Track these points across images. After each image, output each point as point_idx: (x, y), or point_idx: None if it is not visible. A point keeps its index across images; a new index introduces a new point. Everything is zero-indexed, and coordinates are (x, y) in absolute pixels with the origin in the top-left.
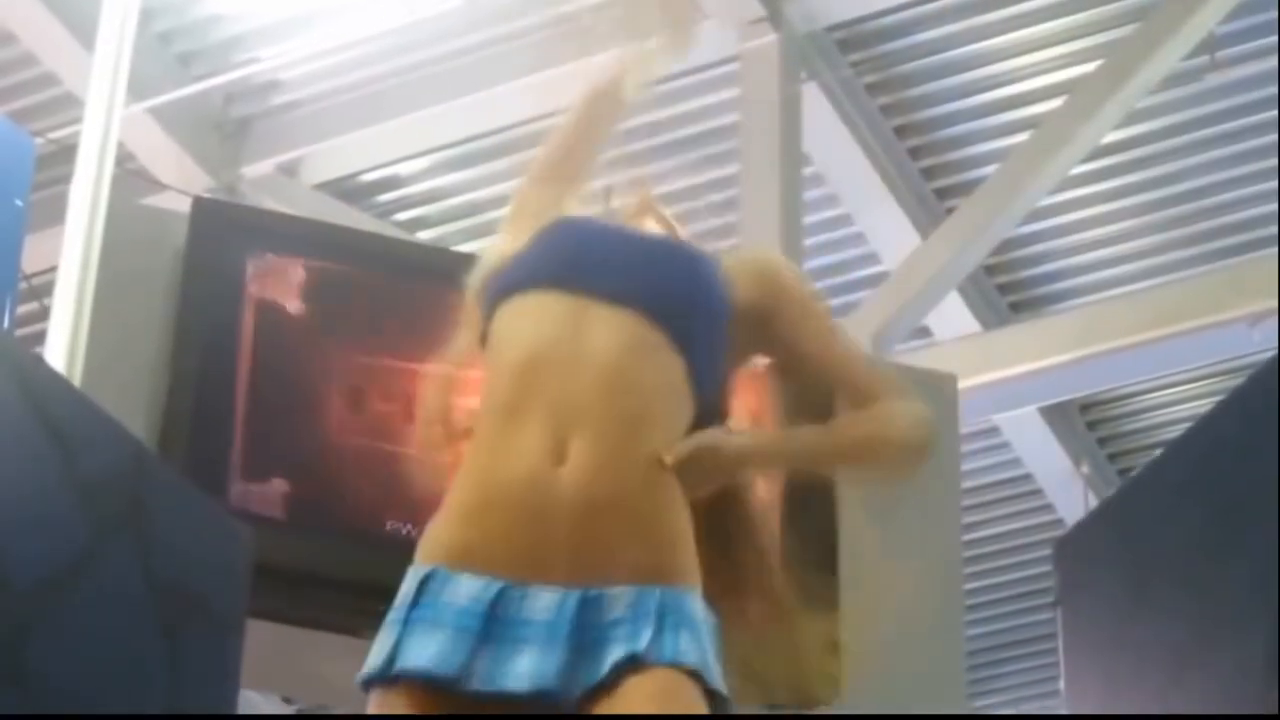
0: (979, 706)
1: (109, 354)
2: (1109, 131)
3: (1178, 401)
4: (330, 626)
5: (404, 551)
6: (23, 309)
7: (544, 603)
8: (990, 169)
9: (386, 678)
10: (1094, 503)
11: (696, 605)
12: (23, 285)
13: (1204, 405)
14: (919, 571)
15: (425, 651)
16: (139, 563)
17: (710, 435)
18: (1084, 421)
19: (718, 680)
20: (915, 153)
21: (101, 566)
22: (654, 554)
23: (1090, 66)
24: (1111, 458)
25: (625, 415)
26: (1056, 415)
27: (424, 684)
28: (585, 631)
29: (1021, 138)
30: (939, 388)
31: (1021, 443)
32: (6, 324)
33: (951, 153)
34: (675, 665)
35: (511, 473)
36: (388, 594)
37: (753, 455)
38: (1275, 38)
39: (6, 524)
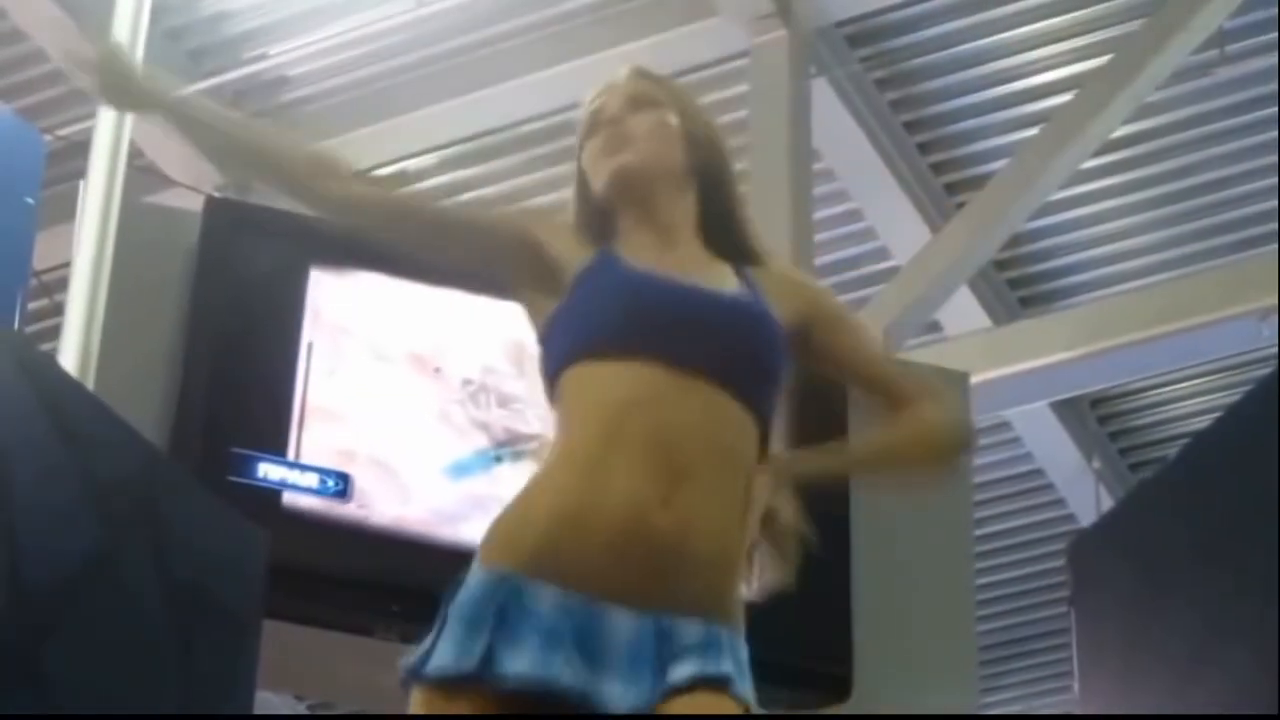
0: (990, 701)
1: (122, 355)
2: (1119, 126)
3: (1188, 396)
4: (344, 626)
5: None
6: (33, 305)
7: (623, 625)
8: (1000, 164)
9: (466, 677)
10: (1105, 498)
11: (743, 648)
12: (33, 282)
13: (1214, 400)
14: (930, 567)
15: (521, 659)
16: (154, 564)
17: (784, 468)
18: (1095, 416)
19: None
20: (925, 148)
21: (117, 568)
22: (721, 596)
23: (1100, 61)
24: (1122, 452)
25: (726, 481)
26: (1067, 410)
27: (510, 690)
28: (662, 657)
29: (1031, 132)
30: (950, 384)
31: (1033, 438)
32: (18, 321)
33: (961, 148)
34: (741, 700)
35: (614, 501)
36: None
37: (820, 476)
38: (1276, 34)
39: (22, 526)
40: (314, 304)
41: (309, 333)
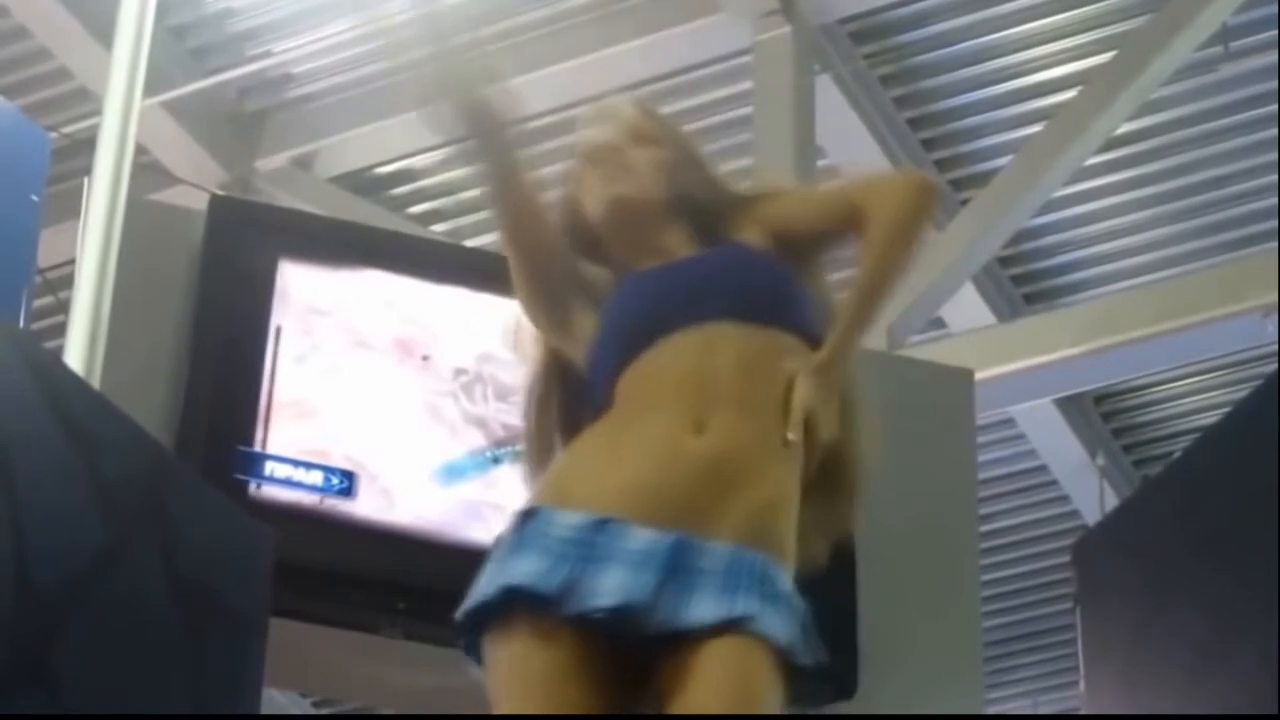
0: (995, 698)
1: (127, 353)
2: (1123, 123)
3: (1192, 393)
4: (350, 624)
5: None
6: (38, 303)
7: (642, 535)
8: (1004, 160)
9: (488, 606)
10: (1109, 494)
11: (788, 582)
12: (38, 280)
13: (1218, 397)
14: (935, 563)
15: (522, 569)
16: (160, 562)
17: (803, 393)
18: (1099, 413)
19: (806, 657)
20: (929, 145)
21: (124, 567)
22: (758, 520)
23: (1104, 58)
24: (1126, 449)
25: (763, 398)
26: (1071, 407)
27: (528, 608)
28: (676, 568)
29: (1035, 129)
30: (954, 382)
31: (1036, 434)
32: (23, 319)
33: (965, 144)
34: (767, 638)
35: (646, 434)
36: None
37: (836, 362)
38: (1276, 31)
39: (29, 524)
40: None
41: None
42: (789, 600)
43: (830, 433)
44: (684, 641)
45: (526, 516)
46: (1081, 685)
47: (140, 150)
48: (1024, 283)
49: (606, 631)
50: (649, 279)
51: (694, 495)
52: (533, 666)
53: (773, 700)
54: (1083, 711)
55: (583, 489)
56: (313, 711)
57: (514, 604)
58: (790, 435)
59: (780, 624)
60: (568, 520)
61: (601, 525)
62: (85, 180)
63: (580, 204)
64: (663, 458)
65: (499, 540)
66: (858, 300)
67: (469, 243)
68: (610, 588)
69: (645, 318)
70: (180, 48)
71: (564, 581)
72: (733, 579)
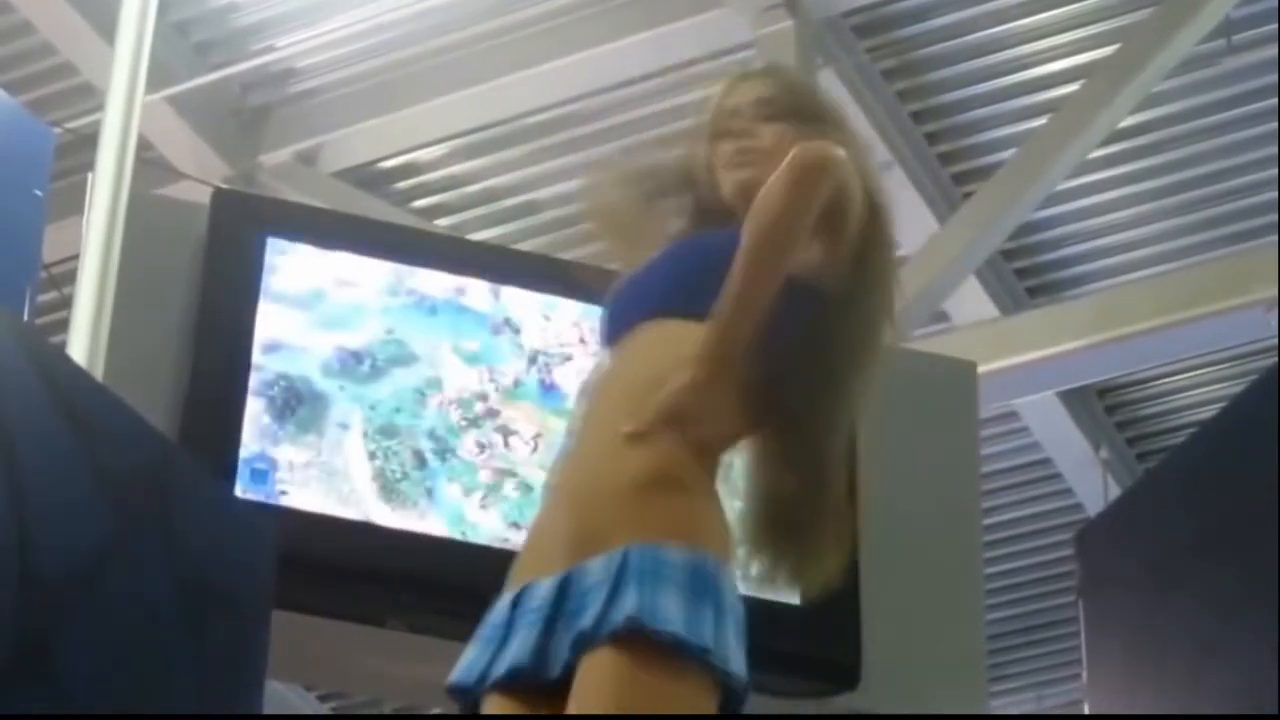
0: (999, 691)
1: (131, 347)
2: (1126, 115)
3: (1196, 386)
4: (355, 617)
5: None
6: (42, 298)
7: (540, 591)
8: (1008, 153)
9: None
10: (1113, 487)
11: (666, 553)
12: (42, 275)
13: (1222, 390)
14: (938, 556)
15: (460, 665)
16: (165, 556)
17: (662, 396)
18: (1102, 406)
19: (667, 621)
20: (932, 138)
21: (127, 560)
22: (623, 520)
23: (1108, 50)
24: (1130, 442)
25: (620, 405)
26: (1075, 400)
27: (469, 695)
28: (562, 608)
29: (1039, 122)
30: (958, 375)
31: (1040, 428)
32: (27, 313)
33: (969, 137)
34: (628, 629)
35: (545, 487)
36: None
37: (716, 342)
38: (1277, 25)
39: (33, 518)
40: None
41: None
42: (655, 572)
43: (698, 426)
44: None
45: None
46: (1084, 676)
47: (144, 146)
48: (1027, 276)
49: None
50: (618, 285)
51: (571, 529)
52: None
53: (646, 688)
54: (1085, 703)
55: (519, 567)
56: (318, 704)
57: (458, 694)
58: (626, 429)
59: (634, 599)
60: (500, 605)
61: (518, 598)
62: (89, 176)
63: (710, 172)
64: (547, 502)
65: None
66: (730, 292)
67: (473, 237)
68: (506, 657)
69: (603, 322)
70: (184, 43)
71: (483, 669)
72: (607, 579)
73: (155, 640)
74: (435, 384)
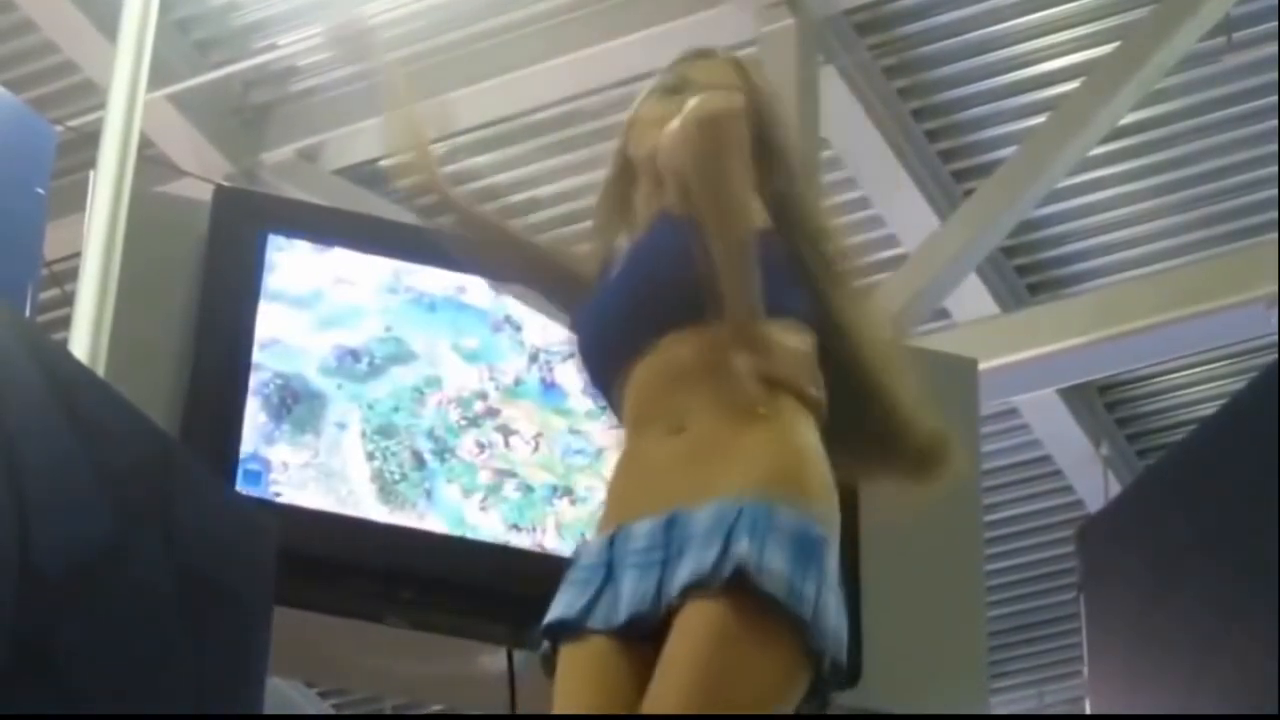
0: (1000, 688)
1: (133, 344)
2: (1127, 113)
3: (1196, 383)
4: (355, 613)
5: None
6: (44, 296)
7: (641, 529)
8: (1008, 151)
9: (551, 640)
10: (1113, 484)
11: (783, 515)
12: (44, 272)
13: (1223, 386)
14: (939, 553)
15: (556, 606)
16: (165, 551)
17: (740, 366)
18: (1103, 403)
19: (773, 577)
20: (933, 135)
21: (129, 558)
22: (739, 475)
23: (1108, 48)
24: (1130, 439)
25: (705, 385)
26: (1076, 397)
27: (568, 635)
28: (673, 545)
29: (1040, 120)
30: (959, 372)
31: (1041, 424)
32: (29, 311)
33: (969, 135)
34: (735, 578)
35: (637, 453)
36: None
37: (736, 310)
38: (1277, 23)
39: (34, 515)
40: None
41: None
42: (770, 532)
43: (789, 372)
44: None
45: (571, 561)
46: (1085, 671)
47: (146, 144)
48: (1028, 273)
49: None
50: (586, 323)
51: (679, 476)
52: (568, 686)
53: (740, 654)
54: (1086, 700)
55: (605, 521)
56: (319, 701)
57: (557, 636)
58: (761, 410)
59: (773, 561)
60: (592, 549)
61: (612, 540)
62: (90, 173)
63: (632, 137)
64: (648, 460)
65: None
66: (716, 259)
67: None
68: (625, 597)
69: (597, 361)
70: (185, 41)
71: (586, 605)
72: (717, 530)
73: (156, 637)
74: (434, 382)
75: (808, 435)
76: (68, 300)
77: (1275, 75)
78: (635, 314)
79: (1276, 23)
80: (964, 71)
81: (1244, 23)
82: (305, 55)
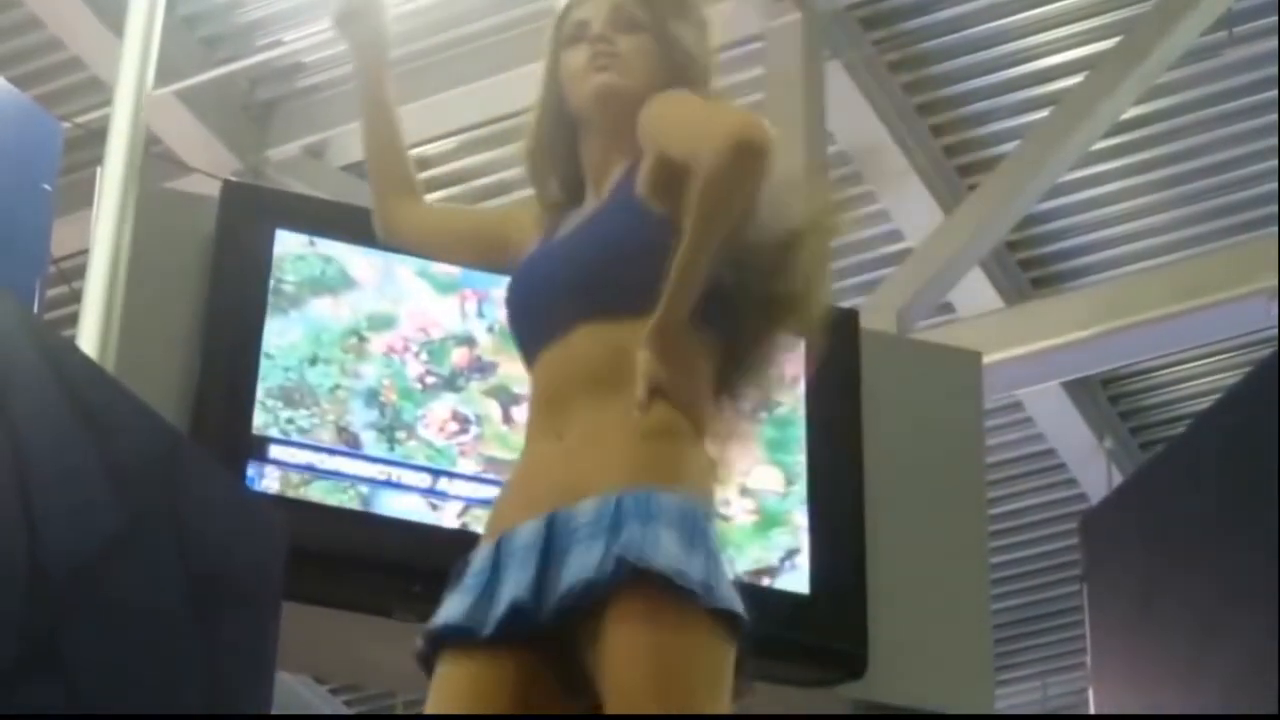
0: (1005, 680)
1: (141, 341)
2: (1129, 107)
3: (1199, 376)
4: (363, 607)
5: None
6: (51, 293)
7: (524, 531)
8: (1012, 145)
9: (431, 645)
10: (1117, 477)
11: (666, 499)
12: (51, 269)
13: (1224, 379)
14: (944, 546)
15: (441, 610)
16: (174, 547)
17: (643, 367)
18: (1106, 396)
19: (667, 561)
20: (937, 130)
21: (137, 552)
22: (618, 469)
23: (1110, 43)
24: (1134, 432)
25: (604, 392)
26: (1079, 390)
27: (456, 643)
28: (553, 546)
29: (1042, 114)
30: (963, 365)
31: (1044, 418)
32: (36, 308)
33: (973, 130)
34: (631, 573)
35: (526, 456)
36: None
37: (668, 318)
38: (1277, 17)
39: (43, 511)
40: None
41: None
42: (655, 517)
43: (682, 398)
44: (587, 610)
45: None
46: (1088, 660)
47: (153, 140)
48: (1031, 267)
49: (535, 642)
50: (519, 285)
51: (558, 475)
52: (444, 694)
53: (678, 650)
54: (1090, 689)
55: (489, 529)
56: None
57: (442, 643)
58: (637, 411)
59: (638, 538)
60: (479, 556)
61: (498, 546)
62: (98, 170)
63: (564, 89)
64: (531, 465)
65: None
66: (679, 265)
67: None
68: (505, 593)
69: (521, 331)
70: (191, 37)
71: (469, 610)
72: (600, 522)
73: (165, 632)
74: (384, 321)
75: (679, 422)
76: (76, 297)
77: (1276, 70)
78: (569, 288)
79: (1277, 17)
80: (968, 66)
81: (1245, 17)
82: (311, 51)
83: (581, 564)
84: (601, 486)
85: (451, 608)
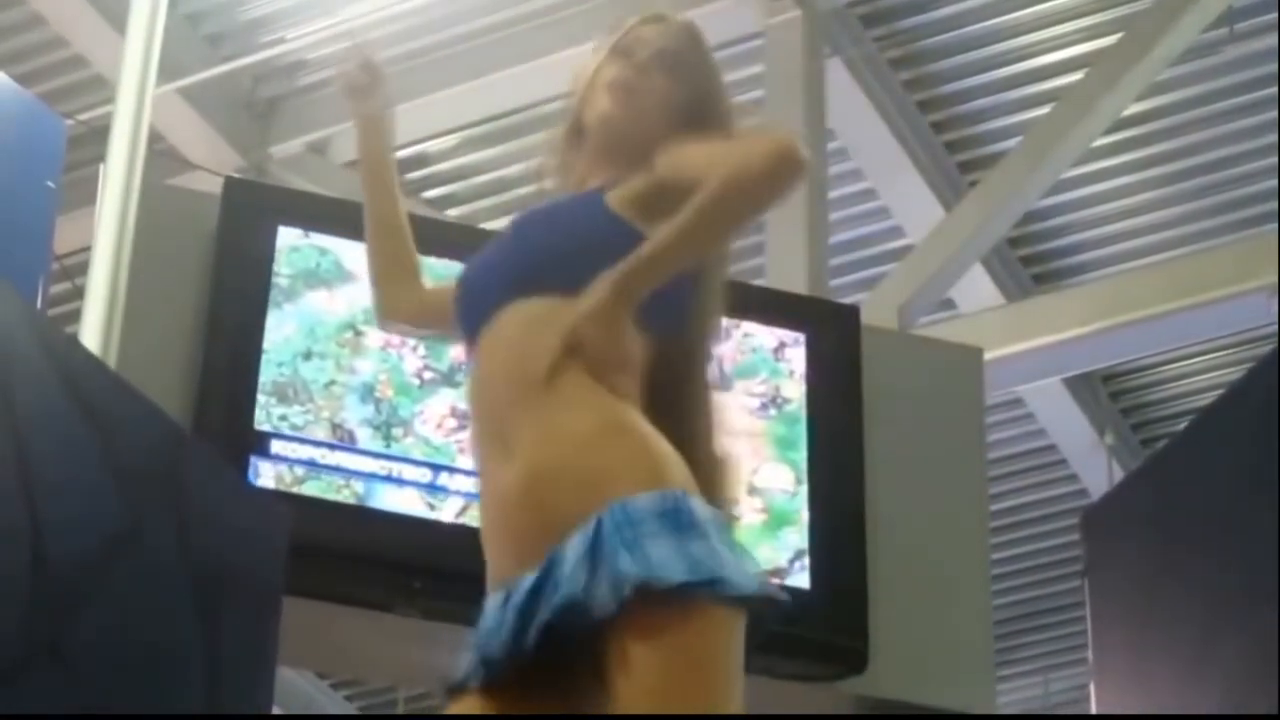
0: (1006, 676)
1: (143, 337)
2: (1130, 104)
3: (1199, 372)
4: (366, 603)
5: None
6: (54, 289)
7: (526, 586)
8: (1012, 142)
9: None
10: (1118, 473)
11: (641, 505)
12: (54, 266)
13: (1225, 375)
14: (945, 541)
15: (461, 670)
16: (176, 542)
17: (568, 320)
18: (1107, 392)
19: (666, 569)
20: (938, 127)
21: (140, 547)
22: (585, 491)
23: (1110, 40)
24: (1134, 428)
25: (535, 386)
26: (1080, 386)
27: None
28: (548, 585)
29: (1043, 111)
30: (964, 361)
31: (1045, 414)
32: (39, 304)
33: (974, 126)
34: (635, 592)
35: (488, 491)
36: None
37: (620, 287)
38: (1277, 14)
39: (46, 506)
40: None
41: None
42: (635, 527)
43: (600, 349)
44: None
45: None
46: (1090, 656)
47: (156, 137)
48: (1032, 263)
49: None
50: (465, 271)
51: (533, 518)
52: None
53: (689, 660)
54: (1092, 685)
55: (492, 579)
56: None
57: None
58: (544, 377)
59: (628, 561)
60: (488, 611)
61: (506, 599)
62: (101, 167)
63: (586, 100)
64: (498, 496)
65: None
66: (664, 238)
67: (484, 226)
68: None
69: (462, 313)
70: (194, 35)
71: (470, 667)
72: (583, 551)
73: (167, 626)
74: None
75: (617, 413)
76: (79, 294)
77: (1276, 66)
78: (510, 263)
79: (1277, 13)
80: (969, 63)
81: (1246, 14)
82: (314, 49)
83: (570, 586)
84: (575, 516)
85: (462, 665)
